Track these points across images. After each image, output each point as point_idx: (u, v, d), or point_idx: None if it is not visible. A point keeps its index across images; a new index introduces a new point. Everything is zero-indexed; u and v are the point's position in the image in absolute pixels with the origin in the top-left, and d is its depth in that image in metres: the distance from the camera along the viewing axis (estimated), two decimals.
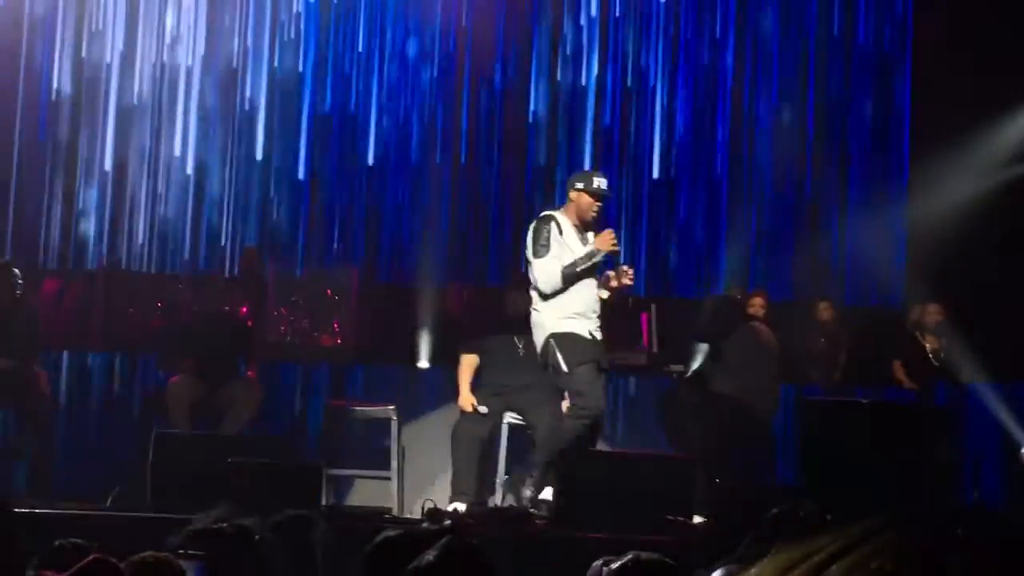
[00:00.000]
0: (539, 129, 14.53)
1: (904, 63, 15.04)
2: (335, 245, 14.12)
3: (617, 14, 14.75)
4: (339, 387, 12.17)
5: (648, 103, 14.76)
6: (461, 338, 11.40)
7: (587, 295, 9.37)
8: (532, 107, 14.57)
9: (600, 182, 9.49)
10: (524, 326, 10.07)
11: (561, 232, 9.30)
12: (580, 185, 9.50)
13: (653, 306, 12.72)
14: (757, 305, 12.14)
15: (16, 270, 11.16)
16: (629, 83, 14.71)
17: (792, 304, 13.55)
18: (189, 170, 13.96)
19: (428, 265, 13.63)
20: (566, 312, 9.31)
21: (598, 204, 9.45)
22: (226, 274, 13.27)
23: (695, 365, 11.78)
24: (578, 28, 14.77)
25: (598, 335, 9.43)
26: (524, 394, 10.64)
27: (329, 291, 13.07)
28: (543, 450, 9.80)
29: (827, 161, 14.71)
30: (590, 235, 9.46)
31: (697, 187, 14.74)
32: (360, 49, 14.49)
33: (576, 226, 9.43)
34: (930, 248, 13.68)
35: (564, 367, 9.24)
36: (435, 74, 14.48)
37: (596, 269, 9.52)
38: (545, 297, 9.35)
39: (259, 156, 14.07)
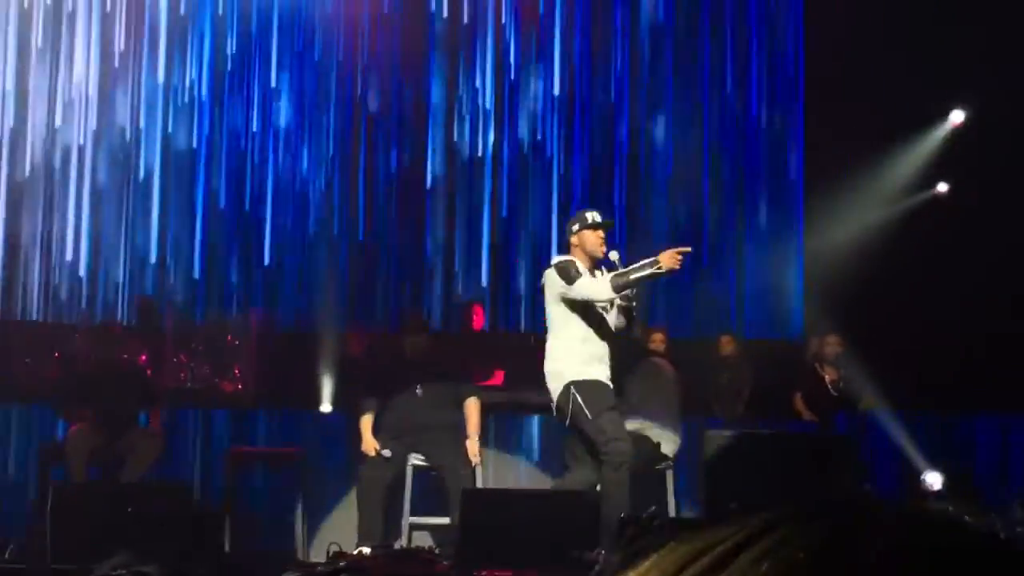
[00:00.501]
0: (437, 197, 14.74)
1: (797, 100, 15.28)
2: (235, 291, 14.09)
3: (512, 79, 14.94)
4: (241, 433, 12.05)
5: (544, 169, 14.98)
6: (362, 382, 11.34)
7: (606, 340, 9.07)
8: (429, 181, 14.78)
9: (593, 215, 9.31)
10: (422, 369, 10.05)
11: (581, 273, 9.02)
12: (577, 227, 9.24)
13: None
14: (658, 341, 12.20)
15: None
16: (525, 150, 14.92)
17: (694, 340, 13.66)
18: (85, 222, 13.89)
19: (329, 310, 13.61)
20: (584, 358, 9.01)
21: (603, 234, 9.21)
22: (123, 323, 13.14)
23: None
24: (474, 102, 14.94)
25: (609, 379, 9.15)
26: (426, 435, 10.61)
27: (230, 337, 12.99)
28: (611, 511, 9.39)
29: (724, 198, 14.89)
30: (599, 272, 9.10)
31: None
32: (255, 125, 14.64)
33: (589, 269, 9.12)
34: (827, 280, 13.87)
35: (589, 415, 8.97)
36: (332, 145, 14.66)
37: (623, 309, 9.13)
38: (560, 345, 9.12)
39: (155, 211, 14.08)
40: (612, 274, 8.80)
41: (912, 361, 12.82)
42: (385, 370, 11.16)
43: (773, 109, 15.33)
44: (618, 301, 8.98)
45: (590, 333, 8.97)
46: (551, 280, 9.03)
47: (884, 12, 14.19)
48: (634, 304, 9.12)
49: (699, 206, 14.92)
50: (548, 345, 9.15)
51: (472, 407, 10.72)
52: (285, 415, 12.19)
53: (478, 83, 15.05)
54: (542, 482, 11.59)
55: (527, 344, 12.73)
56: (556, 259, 9.21)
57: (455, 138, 14.96)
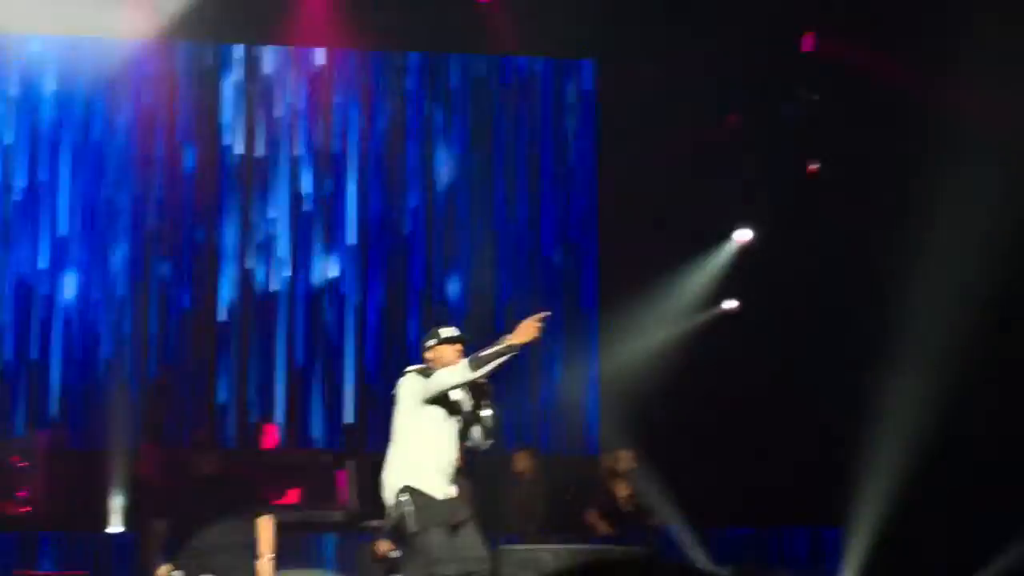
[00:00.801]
0: (232, 328, 14.77)
1: (591, 231, 15.65)
2: (23, 411, 13.83)
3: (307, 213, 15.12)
4: (29, 556, 11.74)
5: (339, 301, 15.11)
6: (153, 501, 11.15)
7: (446, 450, 8.66)
8: (224, 314, 14.78)
9: (449, 330, 9.13)
10: (214, 488, 9.91)
11: None
12: (433, 342, 8.98)
13: (351, 463, 12.71)
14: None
15: None
16: (318, 281, 15.07)
17: (490, 456, 13.67)
18: None
19: (119, 429, 13.41)
20: (425, 468, 8.55)
21: (460, 348, 8.99)
22: None
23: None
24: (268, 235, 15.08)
25: (453, 493, 8.67)
26: (218, 556, 10.42)
27: (15, 458, 12.67)
28: None
29: (518, 315, 15.05)
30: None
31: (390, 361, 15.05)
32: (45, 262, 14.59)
33: None
34: (621, 397, 14.09)
35: (415, 527, 8.73)
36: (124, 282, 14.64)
37: (466, 418, 8.73)
38: (400, 454, 8.80)
39: None
40: (470, 357, 8.41)
41: (706, 477, 13.06)
42: (176, 489, 10.98)
43: (567, 241, 15.69)
44: (480, 412, 8.81)
45: (437, 445, 8.60)
46: (409, 383, 8.68)
47: (670, 146, 14.58)
48: (492, 414, 8.92)
49: (493, 334, 15.08)
50: (388, 456, 8.91)
51: (264, 526, 10.56)
52: (73, 537, 11.92)
53: (271, 216, 15.15)
54: None
55: (324, 462, 12.71)
56: (413, 367, 9.01)
57: (248, 271, 14.98)
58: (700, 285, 15.46)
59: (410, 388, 8.65)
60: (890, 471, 12.54)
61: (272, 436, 13.27)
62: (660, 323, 15.09)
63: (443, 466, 8.60)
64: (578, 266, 15.69)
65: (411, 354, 14.93)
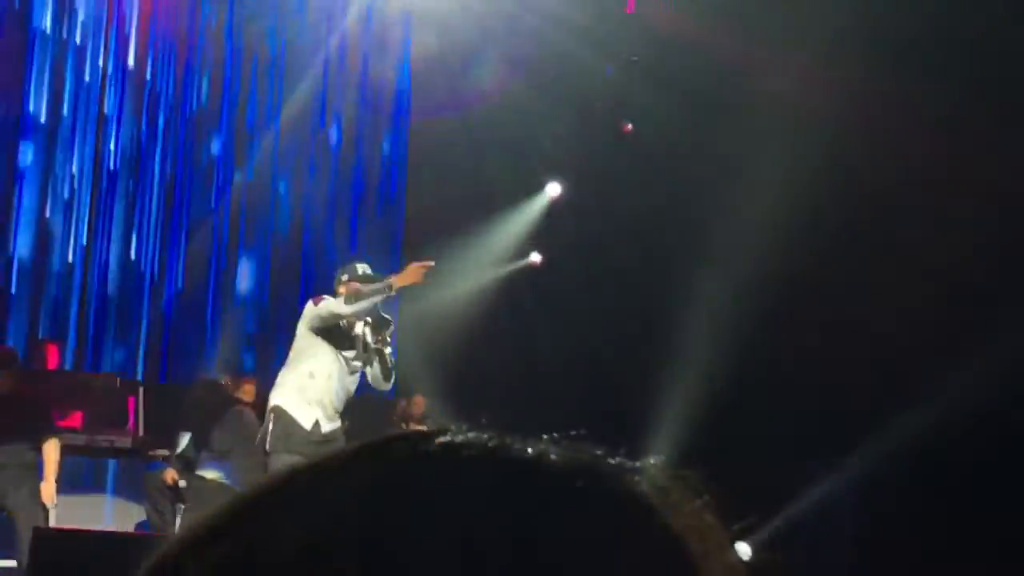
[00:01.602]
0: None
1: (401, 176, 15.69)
2: None
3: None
4: None
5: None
6: None
7: (334, 392, 8.65)
8: None
9: (363, 266, 9.04)
10: (2, 406, 9.73)
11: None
12: (346, 276, 8.92)
13: (141, 389, 12.52)
14: (247, 392, 12.09)
15: None
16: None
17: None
18: None
19: None
20: (303, 394, 8.56)
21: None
22: None
23: (180, 449, 11.62)
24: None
25: (327, 430, 8.62)
26: (5, 474, 10.21)
27: None
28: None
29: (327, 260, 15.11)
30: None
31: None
32: None
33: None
34: (419, 343, 14.14)
35: (267, 446, 8.55)
36: None
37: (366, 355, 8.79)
38: (286, 377, 8.62)
39: None
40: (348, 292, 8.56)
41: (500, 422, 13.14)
42: None
43: (376, 191, 15.72)
44: (374, 346, 8.72)
45: (320, 375, 8.59)
46: (306, 310, 8.73)
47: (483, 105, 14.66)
48: (387, 352, 8.85)
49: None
50: (278, 378, 8.80)
51: (50, 448, 10.36)
52: None
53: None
54: (125, 524, 11.40)
55: (109, 386, 12.48)
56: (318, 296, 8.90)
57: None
58: (506, 238, 15.55)
59: (305, 315, 8.73)
60: (684, 421, 12.83)
61: (53, 356, 12.97)
62: (464, 273, 15.15)
63: (323, 399, 8.61)
64: (385, 214, 15.69)
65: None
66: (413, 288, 14.78)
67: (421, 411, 13.09)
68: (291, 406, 8.57)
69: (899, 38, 10.69)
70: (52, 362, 12.95)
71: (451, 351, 14.00)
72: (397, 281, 8.53)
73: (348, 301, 8.49)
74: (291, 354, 8.79)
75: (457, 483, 0.78)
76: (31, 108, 14.42)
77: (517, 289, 15.18)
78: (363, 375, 8.84)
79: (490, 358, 14.23)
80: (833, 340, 11.70)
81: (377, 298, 8.46)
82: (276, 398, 8.65)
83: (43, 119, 14.48)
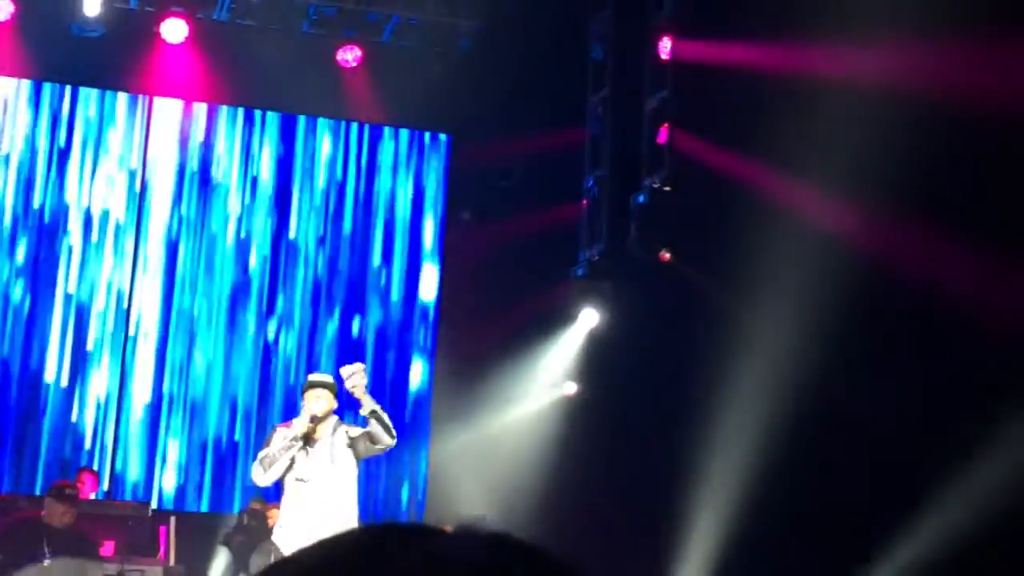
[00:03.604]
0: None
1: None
2: None
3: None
4: None
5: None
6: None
7: (298, 514, 9.05)
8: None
9: (312, 377, 9.39)
10: (58, 537, 9.92)
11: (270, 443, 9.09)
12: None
13: (172, 518, 12.66)
14: (274, 517, 12.26)
15: None
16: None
17: None
18: None
19: None
20: (280, 523, 9.14)
21: (310, 392, 9.18)
22: None
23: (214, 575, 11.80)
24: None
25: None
26: None
27: None
28: None
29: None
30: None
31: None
32: None
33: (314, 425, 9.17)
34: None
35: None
36: None
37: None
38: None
39: None
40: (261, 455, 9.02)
41: None
42: (16, 533, 10.87)
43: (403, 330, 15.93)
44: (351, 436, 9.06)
45: (286, 510, 9.21)
46: None
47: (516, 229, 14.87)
48: (376, 410, 9.06)
49: None
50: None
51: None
52: None
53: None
54: None
55: (141, 515, 12.65)
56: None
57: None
58: (542, 369, 15.63)
59: None
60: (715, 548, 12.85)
61: (89, 485, 13.16)
62: (495, 409, 15.27)
63: (299, 526, 9.03)
64: (419, 336, 15.88)
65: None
66: (464, 414, 15.05)
67: None
68: (281, 542, 8.89)
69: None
70: (87, 491, 13.13)
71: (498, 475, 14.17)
72: (299, 428, 8.89)
73: (262, 467, 8.93)
74: None
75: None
76: None
77: (557, 417, 15.27)
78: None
79: (535, 483, 14.34)
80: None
81: (289, 453, 8.87)
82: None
83: None
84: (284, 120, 16.02)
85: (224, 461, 15.01)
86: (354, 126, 16.19)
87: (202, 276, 15.46)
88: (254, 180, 15.87)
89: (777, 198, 12.22)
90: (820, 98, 11.34)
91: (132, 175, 15.48)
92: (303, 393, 9.26)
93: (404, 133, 16.34)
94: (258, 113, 15.86)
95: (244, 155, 15.82)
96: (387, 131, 16.30)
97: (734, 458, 12.43)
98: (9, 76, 15.07)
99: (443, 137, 16.33)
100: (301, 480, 9.02)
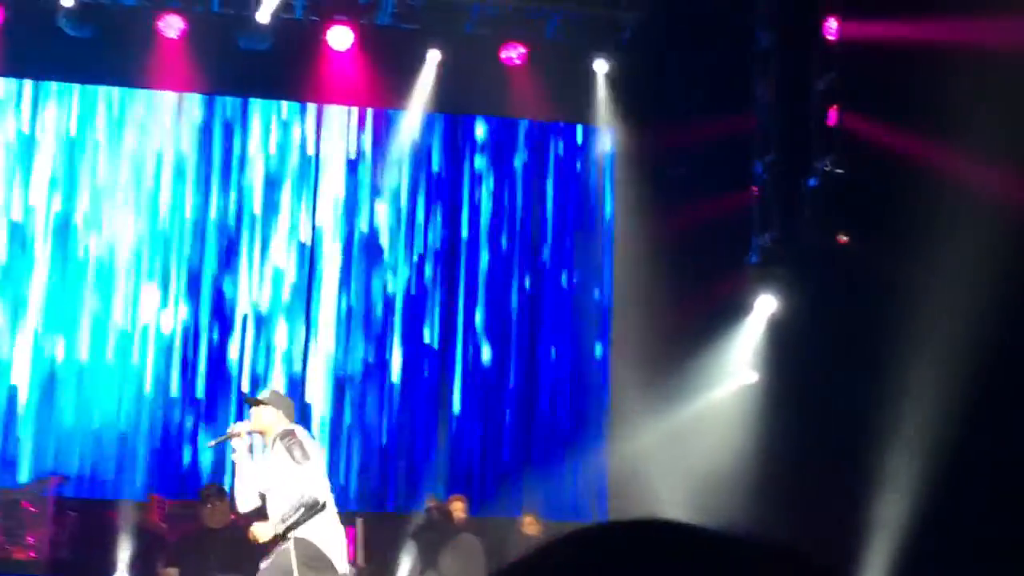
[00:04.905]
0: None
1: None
2: (32, 459, 14.10)
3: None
4: None
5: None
6: (161, 550, 11.36)
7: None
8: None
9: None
10: (221, 537, 10.17)
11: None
12: None
13: (360, 520, 12.92)
14: (459, 509, 12.51)
15: None
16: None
17: (496, 519, 13.96)
18: None
19: (127, 479, 13.69)
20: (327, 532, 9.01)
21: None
22: None
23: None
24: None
25: None
26: None
27: (25, 504, 12.93)
28: None
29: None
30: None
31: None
32: None
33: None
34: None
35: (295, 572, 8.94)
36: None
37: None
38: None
39: None
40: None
41: None
42: (184, 539, 11.20)
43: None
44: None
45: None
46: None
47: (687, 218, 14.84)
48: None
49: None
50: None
51: None
52: None
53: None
54: None
55: None
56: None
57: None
58: (722, 359, 15.59)
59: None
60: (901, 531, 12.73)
61: None
62: (677, 400, 15.25)
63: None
64: (588, 328, 15.96)
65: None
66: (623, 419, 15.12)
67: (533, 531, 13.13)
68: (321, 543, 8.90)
69: None
70: None
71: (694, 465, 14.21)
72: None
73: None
74: None
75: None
76: None
77: (739, 406, 15.22)
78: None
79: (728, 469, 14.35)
80: None
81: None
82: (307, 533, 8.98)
83: None
84: (448, 121, 16.23)
85: (395, 463, 15.24)
86: (521, 123, 16.33)
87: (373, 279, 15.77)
88: (429, 178, 16.12)
89: (950, 173, 12.07)
90: (988, 70, 11.19)
91: (303, 185, 15.81)
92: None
93: (570, 128, 16.44)
94: (424, 116, 16.10)
95: (414, 156, 16.07)
96: (553, 127, 16.42)
97: (921, 439, 12.30)
98: (181, 91, 15.47)
99: (609, 131, 16.39)
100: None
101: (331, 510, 8.96)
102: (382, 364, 15.52)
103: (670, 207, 15.17)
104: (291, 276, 15.56)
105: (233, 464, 9.07)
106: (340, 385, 15.41)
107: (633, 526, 1.03)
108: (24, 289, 14.77)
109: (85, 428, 14.45)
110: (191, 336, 15.17)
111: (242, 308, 15.39)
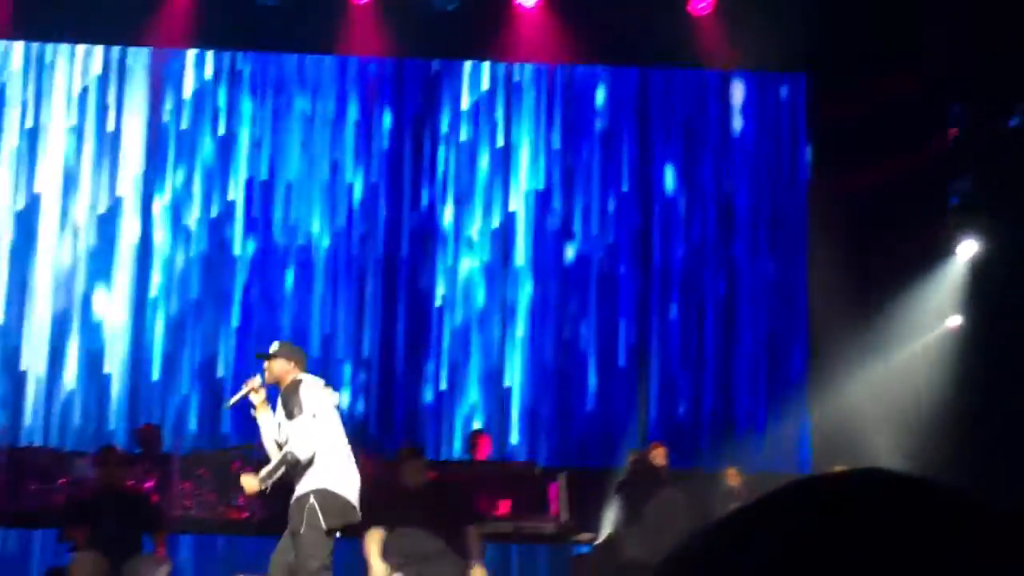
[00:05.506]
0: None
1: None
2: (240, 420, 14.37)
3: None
4: (246, 560, 12.23)
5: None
6: (366, 509, 11.52)
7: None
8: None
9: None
10: (423, 497, 10.35)
11: None
12: None
13: (563, 475, 12.98)
14: (659, 456, 12.52)
15: None
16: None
17: (699, 471, 13.94)
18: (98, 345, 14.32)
19: None
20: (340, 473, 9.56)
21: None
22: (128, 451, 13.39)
23: (608, 530, 12.05)
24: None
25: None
26: (433, 562, 10.77)
27: (236, 464, 13.20)
28: None
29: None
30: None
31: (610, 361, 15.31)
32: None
33: None
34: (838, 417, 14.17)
35: (323, 524, 9.29)
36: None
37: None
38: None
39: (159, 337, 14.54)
40: None
41: None
42: (388, 498, 11.35)
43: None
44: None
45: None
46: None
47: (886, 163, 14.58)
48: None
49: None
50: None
51: (472, 534, 10.91)
52: None
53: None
54: None
55: (530, 473, 13.06)
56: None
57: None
58: (925, 305, 15.32)
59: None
60: None
61: (485, 446, 13.60)
62: (881, 347, 15.03)
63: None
64: (787, 280, 15.78)
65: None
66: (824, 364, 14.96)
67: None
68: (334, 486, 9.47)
69: None
70: (483, 452, 13.55)
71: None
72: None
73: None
74: None
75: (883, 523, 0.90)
76: None
77: (944, 352, 14.98)
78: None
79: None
80: None
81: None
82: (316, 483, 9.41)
83: None
84: (638, 74, 16.15)
85: (596, 418, 15.27)
86: (710, 73, 16.18)
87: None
88: (619, 129, 16.08)
89: None
90: None
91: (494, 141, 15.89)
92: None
93: (760, 77, 16.25)
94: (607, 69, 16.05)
95: (616, 109, 16.05)
96: (743, 76, 16.24)
97: None
98: (374, 55, 15.61)
99: (801, 78, 16.16)
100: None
101: (340, 456, 9.47)
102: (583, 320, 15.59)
103: (867, 154, 14.89)
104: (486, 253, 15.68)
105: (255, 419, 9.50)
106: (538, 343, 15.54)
107: (861, 476, 0.97)
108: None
109: None
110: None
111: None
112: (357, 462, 11.25)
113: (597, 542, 12.35)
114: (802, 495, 0.99)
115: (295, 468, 9.22)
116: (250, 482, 9.38)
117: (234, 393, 9.82)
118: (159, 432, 13.63)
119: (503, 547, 12.95)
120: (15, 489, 13.00)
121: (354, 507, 9.53)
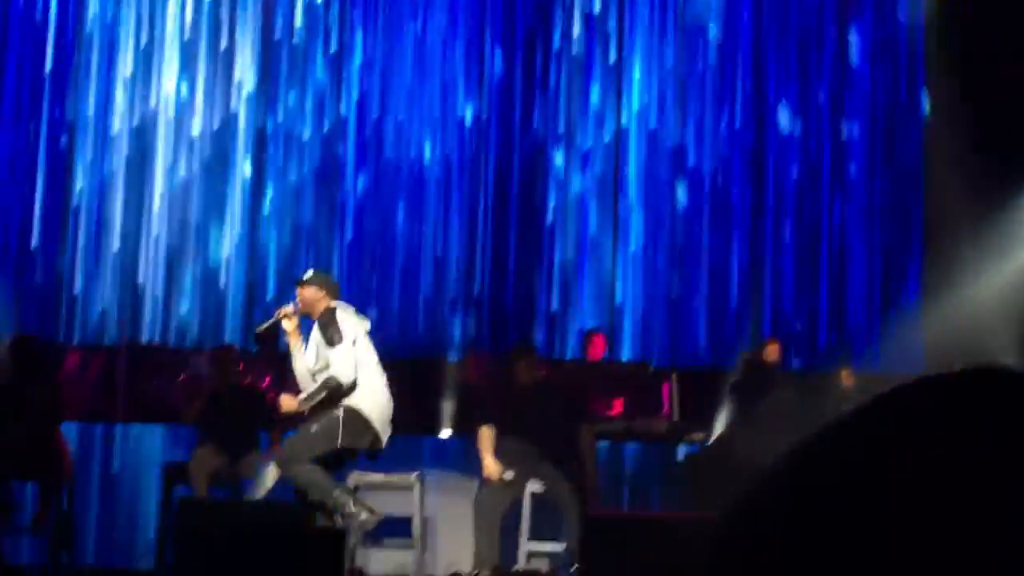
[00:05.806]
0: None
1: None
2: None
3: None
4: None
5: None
6: (480, 407, 11.61)
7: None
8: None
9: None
10: (537, 396, 10.42)
11: None
12: None
13: (675, 375, 12.99)
14: (773, 352, 12.49)
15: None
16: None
17: (812, 372, 13.85)
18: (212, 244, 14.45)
19: (444, 337, 14.02)
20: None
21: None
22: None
23: (718, 430, 12.06)
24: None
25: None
26: (546, 460, 10.86)
27: None
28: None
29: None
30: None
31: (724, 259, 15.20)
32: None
33: None
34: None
35: (338, 437, 9.59)
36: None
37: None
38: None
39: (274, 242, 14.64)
40: None
41: None
42: (501, 397, 11.43)
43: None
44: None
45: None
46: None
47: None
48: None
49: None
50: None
51: (587, 435, 10.97)
52: (404, 440, 12.49)
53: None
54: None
55: (642, 373, 13.06)
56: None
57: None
58: None
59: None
60: None
61: (599, 347, 13.57)
62: (995, 252, 14.80)
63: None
64: (910, 178, 15.52)
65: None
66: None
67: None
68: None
69: None
70: (597, 352, 13.54)
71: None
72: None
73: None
74: None
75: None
76: None
77: None
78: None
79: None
80: None
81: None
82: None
83: None
84: None
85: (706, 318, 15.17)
86: None
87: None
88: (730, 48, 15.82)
89: None
90: None
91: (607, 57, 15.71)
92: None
93: None
94: None
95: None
96: None
97: None
98: None
99: None
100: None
101: (376, 380, 9.74)
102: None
103: (989, 62, 14.53)
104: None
105: (288, 346, 9.82)
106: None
107: (980, 373, 0.96)
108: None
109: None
110: None
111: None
112: (467, 364, 11.42)
113: (708, 442, 12.35)
114: (919, 393, 0.98)
115: (337, 392, 9.41)
116: (290, 402, 9.62)
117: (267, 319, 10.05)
118: (276, 333, 13.74)
119: (615, 446, 13.01)
120: (135, 385, 13.22)
121: (378, 435, 9.70)
